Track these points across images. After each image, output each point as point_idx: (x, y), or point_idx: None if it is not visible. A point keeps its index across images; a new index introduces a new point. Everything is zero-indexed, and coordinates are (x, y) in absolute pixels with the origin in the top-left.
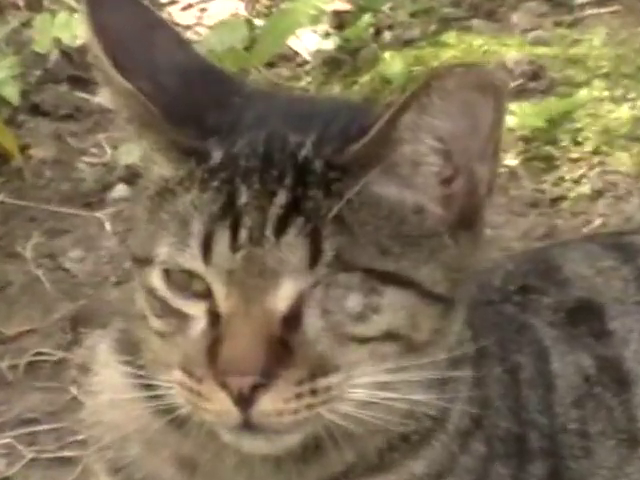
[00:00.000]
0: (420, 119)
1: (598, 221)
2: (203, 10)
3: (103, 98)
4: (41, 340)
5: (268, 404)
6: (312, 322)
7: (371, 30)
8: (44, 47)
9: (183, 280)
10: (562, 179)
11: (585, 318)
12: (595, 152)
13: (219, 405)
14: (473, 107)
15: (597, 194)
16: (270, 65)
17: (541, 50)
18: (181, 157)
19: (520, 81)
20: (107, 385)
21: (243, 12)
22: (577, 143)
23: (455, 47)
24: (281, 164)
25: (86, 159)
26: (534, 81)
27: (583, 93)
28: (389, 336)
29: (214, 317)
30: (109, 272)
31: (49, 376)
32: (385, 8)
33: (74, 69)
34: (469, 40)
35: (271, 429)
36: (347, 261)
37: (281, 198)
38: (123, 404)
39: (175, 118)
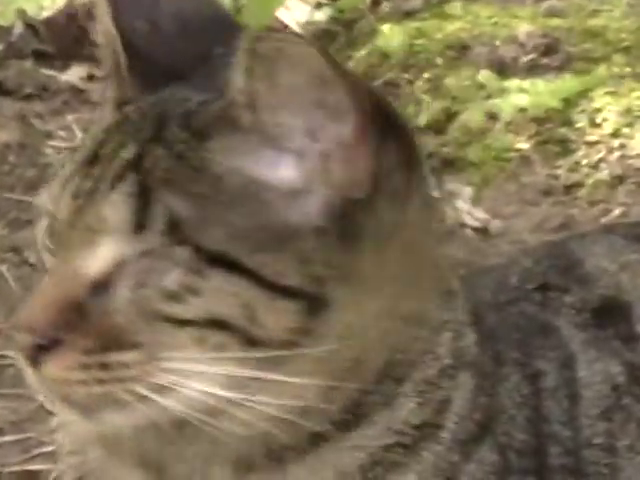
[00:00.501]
0: (267, 90)
1: (618, 210)
2: None
3: (71, 75)
4: (4, 342)
5: (50, 369)
6: (121, 292)
7: (368, 0)
8: (7, 19)
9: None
10: (578, 164)
11: (612, 319)
12: (614, 134)
13: (20, 362)
14: (310, 82)
15: (617, 180)
16: None
17: (555, 22)
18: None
19: (532, 56)
20: None
21: None
22: (595, 125)
23: (460, 19)
24: (149, 119)
25: (53, 143)
26: (548, 56)
27: (602, 69)
28: (216, 324)
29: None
30: None
31: (13, 382)
32: None
33: (40, 43)
34: (476, 11)
35: (68, 401)
36: (181, 232)
37: (127, 151)
38: None
39: (144, 67)
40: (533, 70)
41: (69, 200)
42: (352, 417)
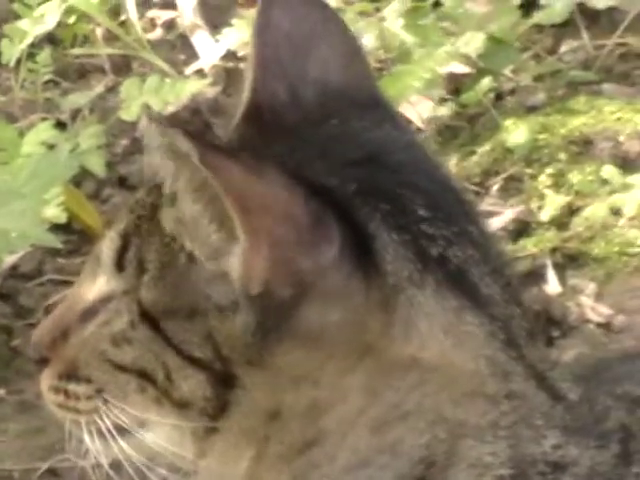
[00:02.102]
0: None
1: None
2: None
3: None
4: None
5: (42, 384)
6: (89, 326)
7: (491, 95)
8: (132, 115)
9: None
10: None
11: None
12: None
13: None
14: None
15: None
16: None
17: None
18: None
19: None
20: None
21: None
22: None
23: (584, 113)
24: None
25: None
26: None
27: None
28: (143, 375)
29: None
30: None
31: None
32: (507, 71)
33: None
34: (600, 106)
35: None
36: (140, 281)
37: (139, 193)
38: None
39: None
40: None
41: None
42: None
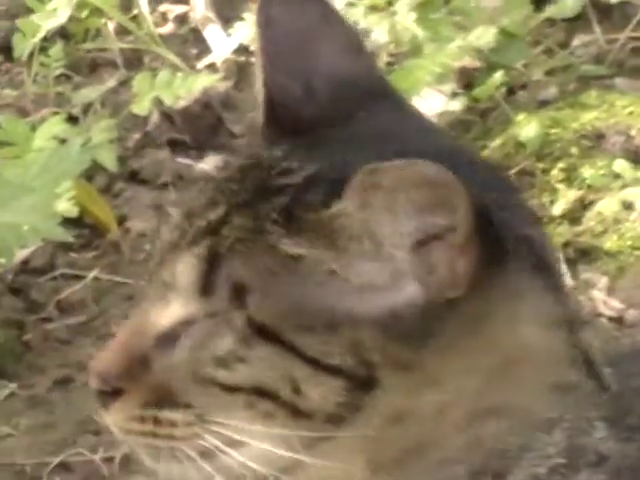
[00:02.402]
0: (365, 213)
1: None
2: None
3: (207, 164)
4: None
5: (114, 415)
6: (180, 352)
7: (503, 89)
8: (143, 109)
9: None
10: None
11: None
12: None
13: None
14: (418, 203)
15: None
16: None
17: None
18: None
19: None
20: None
21: None
22: None
23: (596, 108)
24: (249, 182)
25: None
26: None
27: None
28: (260, 393)
29: None
30: None
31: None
32: (518, 65)
33: (175, 133)
34: (611, 100)
35: (135, 445)
36: (243, 302)
37: (214, 213)
38: None
39: (279, 129)
40: None
41: (159, 250)
42: None
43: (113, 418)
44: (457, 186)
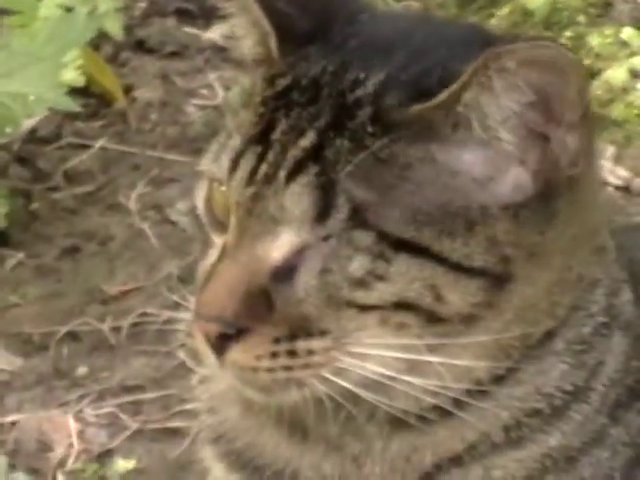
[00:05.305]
0: (483, 97)
1: None
2: None
3: (213, 33)
4: (146, 300)
5: (238, 356)
6: (306, 279)
7: None
8: None
9: (215, 206)
10: None
11: None
12: None
13: (201, 345)
14: (539, 83)
15: None
16: None
17: None
18: (262, 82)
19: None
20: None
21: None
22: None
23: None
24: (325, 101)
25: (195, 101)
26: None
27: None
28: (402, 306)
29: (223, 251)
30: None
31: (154, 339)
32: None
33: (182, 2)
34: None
35: (251, 383)
36: (365, 220)
37: (306, 140)
38: None
39: (290, 43)
40: None
41: (243, 185)
42: (499, 376)
43: (235, 359)
44: (577, 64)
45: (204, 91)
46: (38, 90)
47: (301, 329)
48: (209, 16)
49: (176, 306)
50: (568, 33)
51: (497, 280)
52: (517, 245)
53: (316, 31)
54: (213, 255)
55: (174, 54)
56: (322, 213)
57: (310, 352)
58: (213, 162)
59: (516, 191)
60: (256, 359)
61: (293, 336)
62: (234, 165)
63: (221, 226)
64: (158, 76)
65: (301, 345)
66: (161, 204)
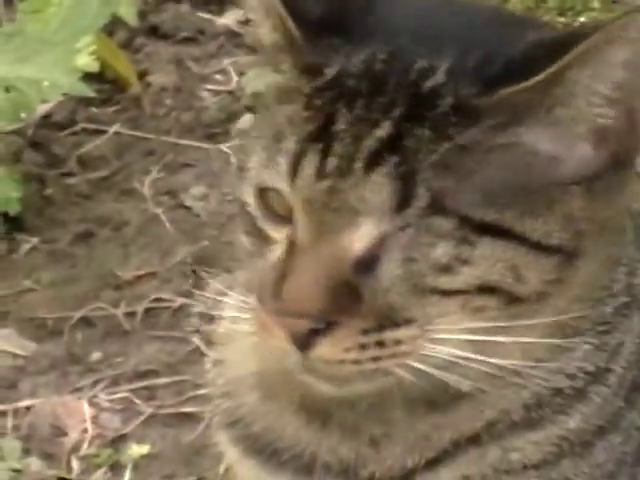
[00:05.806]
0: (592, 74)
1: None
2: None
3: (228, 19)
4: (160, 285)
5: (326, 351)
6: (390, 269)
7: None
8: None
9: (271, 199)
10: None
11: None
12: None
13: (279, 342)
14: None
15: None
16: None
17: None
18: (299, 72)
19: None
20: (232, 335)
21: None
22: None
23: None
24: (395, 91)
25: (209, 86)
26: None
27: None
28: (484, 290)
29: (292, 246)
30: (234, 210)
31: (169, 324)
32: None
33: None
34: None
35: (331, 376)
36: (445, 206)
37: (382, 130)
38: (244, 347)
39: (315, 29)
40: None
41: (313, 180)
42: None
43: (322, 353)
44: None
45: (218, 76)
46: (52, 76)
47: (387, 319)
48: (223, 1)
49: (189, 291)
50: (582, 18)
51: (569, 256)
52: (591, 220)
53: (331, 16)
54: (277, 250)
55: (188, 39)
56: (402, 203)
57: (397, 342)
58: (264, 169)
59: (594, 164)
60: (345, 351)
61: (380, 327)
62: (295, 166)
63: (280, 220)
64: (172, 61)
65: (389, 335)
66: (175, 189)
